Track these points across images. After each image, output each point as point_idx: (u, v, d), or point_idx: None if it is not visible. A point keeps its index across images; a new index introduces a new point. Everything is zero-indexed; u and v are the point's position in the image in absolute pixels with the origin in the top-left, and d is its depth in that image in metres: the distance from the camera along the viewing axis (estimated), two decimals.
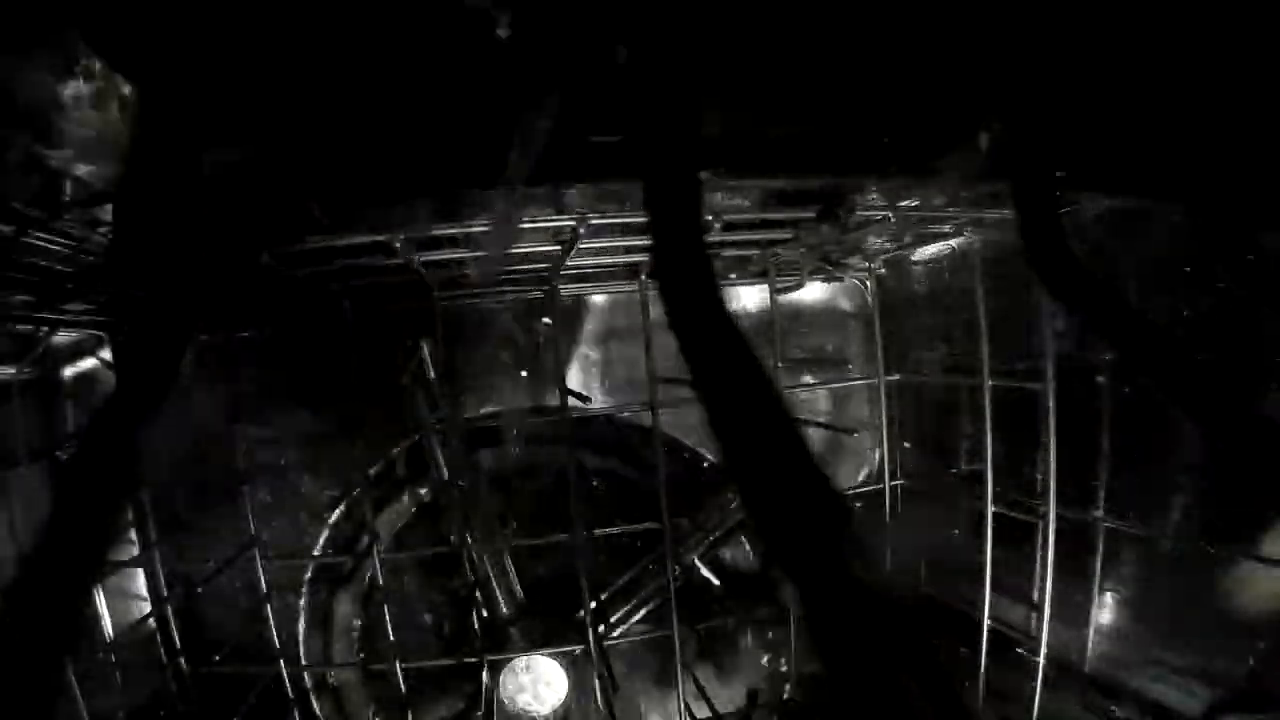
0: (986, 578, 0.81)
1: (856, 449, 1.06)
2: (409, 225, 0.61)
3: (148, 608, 0.90)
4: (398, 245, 0.63)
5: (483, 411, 0.99)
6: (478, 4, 0.30)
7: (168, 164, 0.28)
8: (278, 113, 0.39)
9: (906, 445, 1.04)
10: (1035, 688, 0.74)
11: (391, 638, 0.87)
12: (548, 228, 0.64)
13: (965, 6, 0.35)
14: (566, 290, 0.96)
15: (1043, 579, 0.76)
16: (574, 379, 1.00)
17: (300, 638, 0.97)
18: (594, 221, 0.61)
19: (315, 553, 0.97)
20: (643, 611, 0.99)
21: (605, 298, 1.01)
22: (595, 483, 1.01)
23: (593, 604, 0.91)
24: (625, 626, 0.98)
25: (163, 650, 0.89)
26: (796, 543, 0.19)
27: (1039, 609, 0.76)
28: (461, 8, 0.30)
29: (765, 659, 1.07)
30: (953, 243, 0.83)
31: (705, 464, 1.03)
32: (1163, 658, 0.69)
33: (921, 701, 0.17)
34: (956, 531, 0.91)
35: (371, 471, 0.94)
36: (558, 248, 0.72)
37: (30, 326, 0.78)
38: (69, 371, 0.87)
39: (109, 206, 0.51)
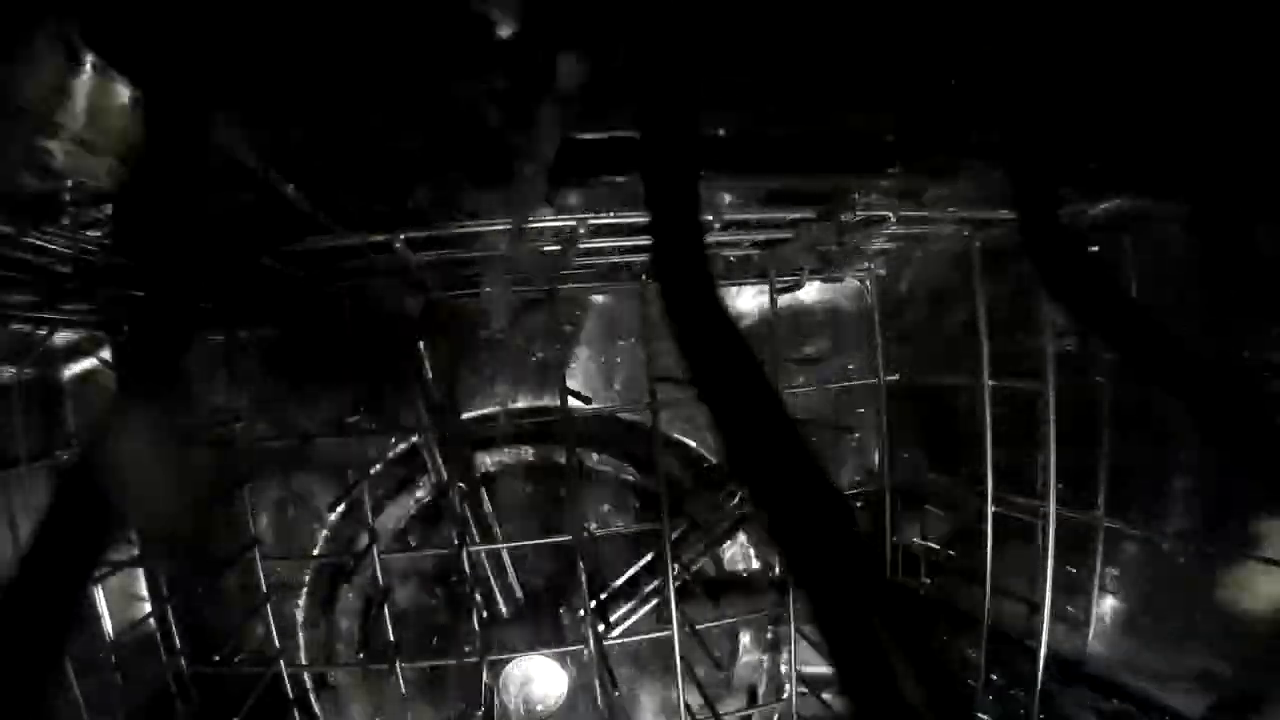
0: (987, 578, 0.81)
1: (856, 449, 1.06)
2: (409, 226, 0.61)
3: (148, 608, 0.90)
4: (397, 246, 0.63)
5: (481, 412, 0.99)
6: (480, 7, 0.30)
7: (169, 163, 0.28)
8: (278, 112, 0.40)
9: (906, 445, 1.04)
10: (1035, 688, 0.74)
11: (391, 638, 0.87)
12: (548, 228, 0.64)
13: (966, 6, 0.35)
14: (566, 290, 0.96)
15: (1043, 579, 0.76)
16: (574, 379, 1.00)
17: (300, 638, 0.97)
18: (594, 221, 0.61)
19: (315, 553, 0.97)
20: (643, 611, 0.99)
21: (605, 297, 1.01)
22: (595, 482, 1.01)
23: (593, 604, 0.91)
24: (625, 626, 0.98)
25: (163, 650, 0.89)
26: (800, 541, 0.19)
27: (1039, 609, 0.76)
28: (464, 10, 0.30)
29: (765, 659, 1.07)
30: (953, 243, 0.83)
31: (705, 463, 1.03)
32: (1163, 658, 0.69)
33: (921, 700, 0.17)
34: None
35: (371, 471, 0.94)
36: (558, 248, 0.72)
37: (30, 326, 0.78)
38: (69, 371, 0.86)
39: (109, 206, 0.51)
